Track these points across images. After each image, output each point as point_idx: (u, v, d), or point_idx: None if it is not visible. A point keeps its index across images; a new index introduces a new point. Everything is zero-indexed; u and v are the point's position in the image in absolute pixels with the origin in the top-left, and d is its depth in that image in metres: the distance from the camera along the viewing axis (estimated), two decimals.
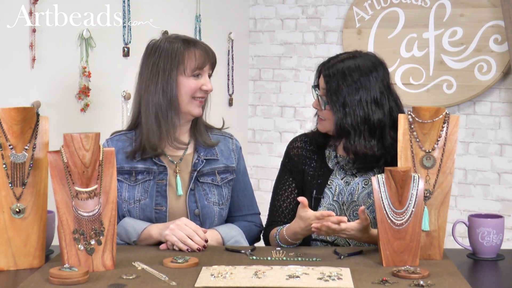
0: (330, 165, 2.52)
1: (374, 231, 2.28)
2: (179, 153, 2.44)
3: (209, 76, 2.45)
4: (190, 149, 2.46)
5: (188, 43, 2.40)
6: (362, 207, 2.21)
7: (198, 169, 2.42)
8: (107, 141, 2.46)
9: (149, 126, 2.37)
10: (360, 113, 2.39)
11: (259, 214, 2.60)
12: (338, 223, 2.19)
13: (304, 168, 2.53)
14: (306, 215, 2.25)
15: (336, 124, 2.42)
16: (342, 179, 2.49)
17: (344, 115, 2.40)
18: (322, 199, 2.47)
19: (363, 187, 2.46)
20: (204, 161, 2.44)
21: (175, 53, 2.37)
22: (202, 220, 2.40)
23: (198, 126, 2.47)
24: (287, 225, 2.36)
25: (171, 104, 2.36)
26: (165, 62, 2.37)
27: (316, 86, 2.50)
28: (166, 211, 2.38)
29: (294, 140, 2.61)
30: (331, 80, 2.41)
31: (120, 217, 2.41)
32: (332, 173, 2.50)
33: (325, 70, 2.45)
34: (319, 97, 2.48)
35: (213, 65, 2.44)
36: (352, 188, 2.47)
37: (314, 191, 2.48)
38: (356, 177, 2.48)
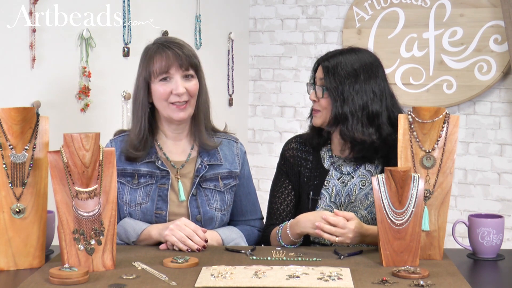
0: (325, 165, 2.51)
1: (373, 230, 2.27)
2: (183, 158, 2.43)
3: (188, 77, 2.36)
4: (193, 153, 2.44)
5: (162, 46, 2.34)
6: (335, 211, 2.24)
7: (200, 175, 2.40)
8: (110, 142, 2.45)
9: (132, 130, 2.39)
10: (359, 101, 2.38)
11: (262, 219, 2.58)
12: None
13: (300, 169, 2.52)
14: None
15: (334, 110, 2.39)
16: (338, 180, 2.48)
17: (342, 101, 2.38)
18: (319, 200, 2.46)
19: (361, 188, 2.45)
20: (208, 166, 2.41)
21: (148, 58, 2.35)
22: (203, 225, 2.38)
23: (196, 125, 2.42)
24: (288, 223, 2.35)
25: (148, 111, 2.37)
26: (141, 68, 2.38)
27: (313, 83, 2.49)
28: (166, 215, 2.37)
29: (289, 142, 2.59)
30: (330, 69, 2.41)
31: (121, 219, 2.40)
32: (328, 174, 2.49)
33: (324, 61, 2.44)
34: (315, 88, 2.46)
35: (184, 65, 2.33)
36: (350, 189, 2.46)
37: (311, 192, 2.47)
38: (353, 177, 2.47)
